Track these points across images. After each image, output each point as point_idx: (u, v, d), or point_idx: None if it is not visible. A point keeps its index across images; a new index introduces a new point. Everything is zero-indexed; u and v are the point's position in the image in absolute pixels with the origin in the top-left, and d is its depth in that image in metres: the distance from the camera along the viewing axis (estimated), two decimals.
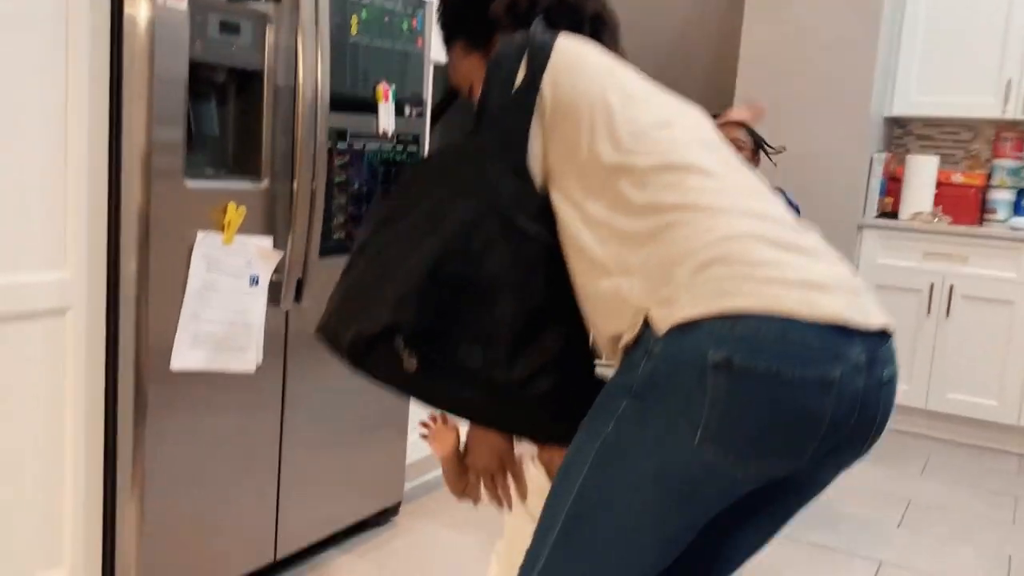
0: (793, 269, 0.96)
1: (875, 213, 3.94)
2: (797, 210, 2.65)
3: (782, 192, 2.69)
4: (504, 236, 1.06)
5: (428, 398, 1.14)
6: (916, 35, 3.92)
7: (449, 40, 1.29)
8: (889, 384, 1.00)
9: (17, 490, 1.64)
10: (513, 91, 1.08)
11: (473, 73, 1.25)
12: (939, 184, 3.93)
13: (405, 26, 2.24)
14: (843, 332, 0.94)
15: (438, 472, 2.92)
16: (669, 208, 1.02)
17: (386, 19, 2.17)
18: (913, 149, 4.26)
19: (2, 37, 1.51)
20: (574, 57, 1.11)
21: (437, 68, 3.17)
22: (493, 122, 1.09)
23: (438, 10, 1.31)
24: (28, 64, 1.55)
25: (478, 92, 1.16)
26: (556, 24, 1.17)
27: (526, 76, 1.08)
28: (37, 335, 1.63)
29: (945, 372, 3.72)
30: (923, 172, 3.89)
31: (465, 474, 1.30)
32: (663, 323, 0.98)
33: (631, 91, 1.11)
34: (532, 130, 1.08)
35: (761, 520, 1.14)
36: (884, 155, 3.97)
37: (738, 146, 2.51)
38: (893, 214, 3.99)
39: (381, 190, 2.24)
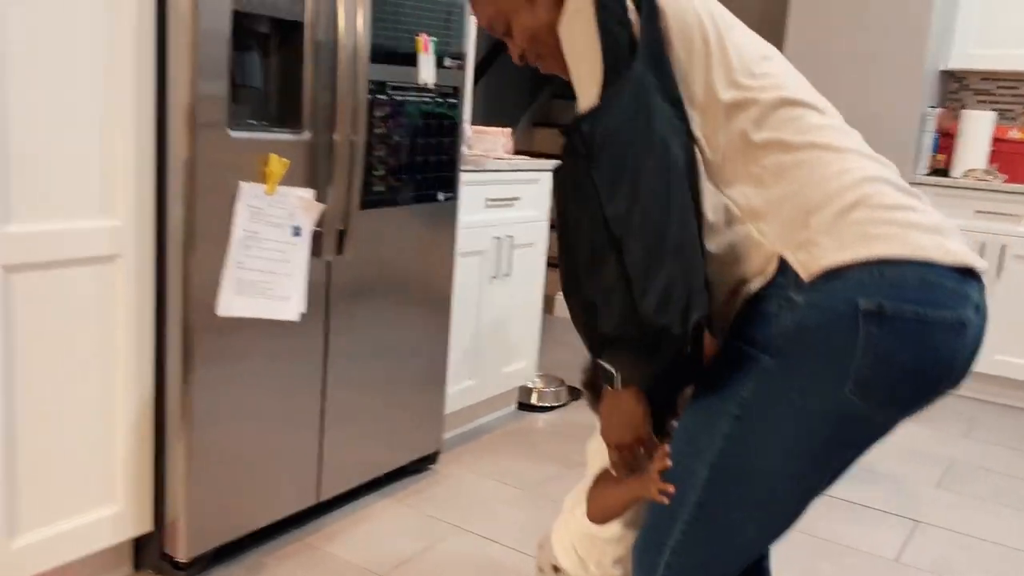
0: (921, 214, 0.98)
1: (926, 170, 3.84)
2: None
3: None
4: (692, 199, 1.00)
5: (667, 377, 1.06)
6: None
7: None
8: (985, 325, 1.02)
9: (72, 428, 1.72)
10: (627, 13, 0.99)
11: (511, 7, 1.10)
12: (995, 140, 3.81)
13: None
14: (966, 275, 0.96)
15: (476, 422, 2.98)
16: (797, 146, 0.99)
17: None
18: (969, 104, 4.13)
19: (55, 1, 1.54)
20: None
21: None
22: (648, 50, 0.99)
23: None
24: (79, 21, 1.58)
25: (519, 30, 1.07)
26: None
27: None
28: (89, 280, 1.68)
29: (993, 333, 3.63)
30: (979, 128, 3.77)
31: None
32: (807, 269, 0.96)
33: (720, 11, 1.05)
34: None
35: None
36: (937, 111, 3.86)
37: None
38: (945, 171, 3.89)
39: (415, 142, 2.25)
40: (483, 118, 6.01)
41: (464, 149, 2.73)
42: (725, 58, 1.02)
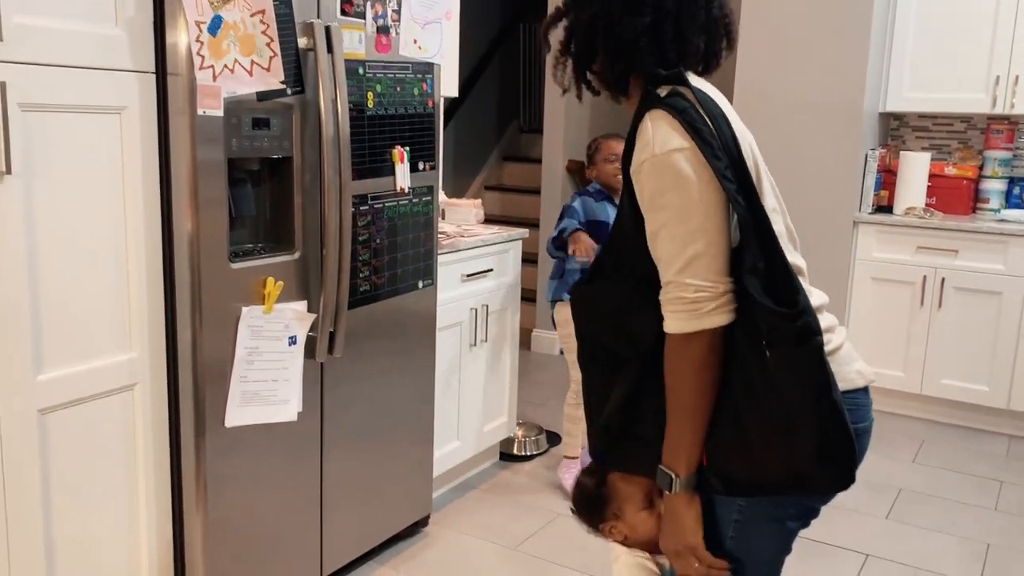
0: (847, 351, 1.32)
1: (870, 208, 4.10)
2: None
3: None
4: None
5: None
6: (907, 35, 4.03)
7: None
8: None
9: (102, 533, 1.91)
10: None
11: None
12: (932, 176, 4.08)
13: (416, 91, 2.43)
14: (867, 388, 1.34)
15: (462, 478, 3.19)
16: None
17: (398, 88, 2.37)
18: (909, 140, 4.41)
19: (69, 175, 1.73)
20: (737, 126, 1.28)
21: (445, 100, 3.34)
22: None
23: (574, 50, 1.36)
24: (91, 185, 1.78)
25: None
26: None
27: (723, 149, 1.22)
28: (113, 408, 1.88)
29: (938, 359, 3.92)
30: (916, 167, 4.04)
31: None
32: None
33: (755, 164, 1.30)
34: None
35: None
36: (879, 152, 4.12)
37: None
38: (888, 208, 4.16)
39: (387, 240, 2.46)
40: (453, 157, 6.22)
41: (439, 222, 2.94)
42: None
